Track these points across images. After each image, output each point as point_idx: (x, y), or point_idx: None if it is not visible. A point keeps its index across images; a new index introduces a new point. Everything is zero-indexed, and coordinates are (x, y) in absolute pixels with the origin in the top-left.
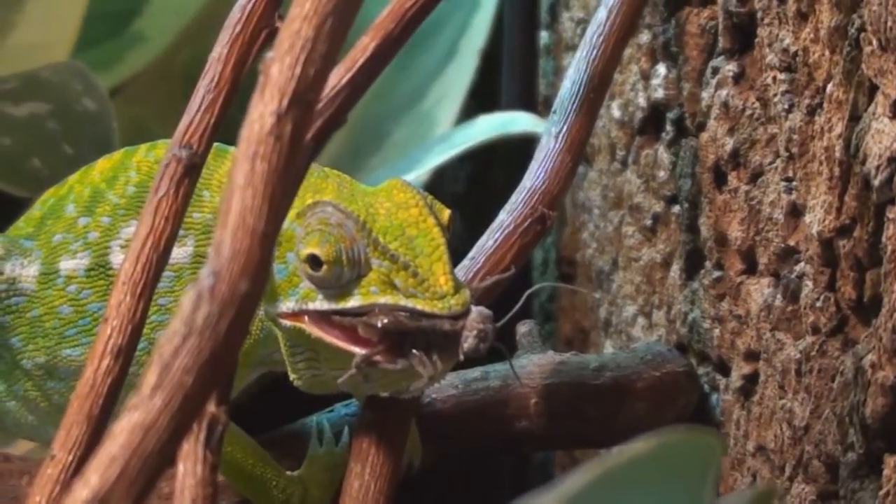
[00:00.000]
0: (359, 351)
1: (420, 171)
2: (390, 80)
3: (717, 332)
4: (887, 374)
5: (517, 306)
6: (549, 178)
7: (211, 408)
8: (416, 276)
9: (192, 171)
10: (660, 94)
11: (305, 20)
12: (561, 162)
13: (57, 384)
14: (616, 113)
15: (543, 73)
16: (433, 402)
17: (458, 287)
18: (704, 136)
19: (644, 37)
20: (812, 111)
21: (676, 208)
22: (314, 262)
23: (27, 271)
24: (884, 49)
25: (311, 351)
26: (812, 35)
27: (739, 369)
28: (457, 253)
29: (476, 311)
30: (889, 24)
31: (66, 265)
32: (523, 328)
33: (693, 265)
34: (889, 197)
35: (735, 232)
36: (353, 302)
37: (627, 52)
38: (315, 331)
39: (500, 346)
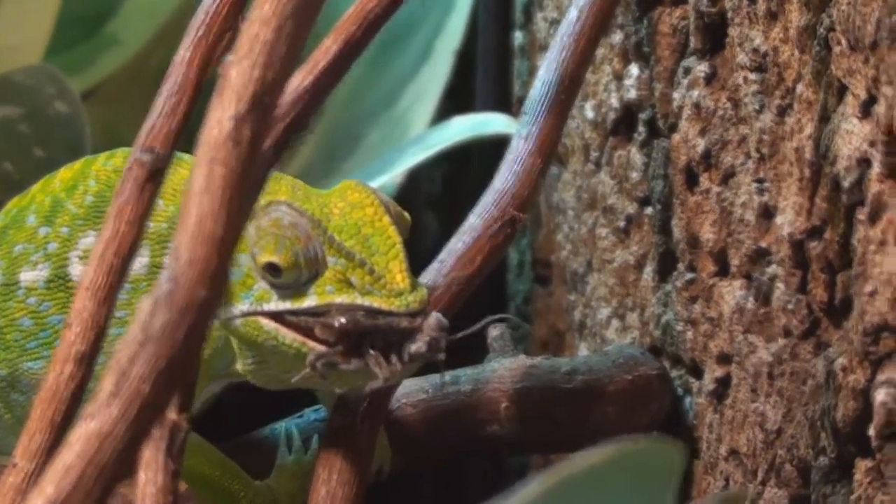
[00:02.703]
0: (315, 346)
1: (393, 173)
2: (364, 82)
3: (689, 334)
4: (858, 377)
5: (470, 330)
6: (518, 180)
7: (172, 415)
8: (373, 274)
9: (155, 175)
10: (632, 94)
11: (264, 23)
12: (531, 164)
13: (19, 397)
14: (589, 114)
15: (518, 74)
16: (403, 407)
17: (415, 285)
18: (676, 136)
19: (616, 37)
20: (782, 112)
21: (649, 210)
22: (273, 269)
23: None
24: (853, 49)
25: (261, 359)
26: (782, 35)
27: (712, 372)
28: (431, 254)
29: (434, 317)
30: (858, 23)
31: (27, 276)
32: (495, 331)
33: (666, 267)
34: (859, 198)
35: (707, 234)
36: (308, 301)
37: (600, 52)
38: (271, 324)
39: (438, 361)
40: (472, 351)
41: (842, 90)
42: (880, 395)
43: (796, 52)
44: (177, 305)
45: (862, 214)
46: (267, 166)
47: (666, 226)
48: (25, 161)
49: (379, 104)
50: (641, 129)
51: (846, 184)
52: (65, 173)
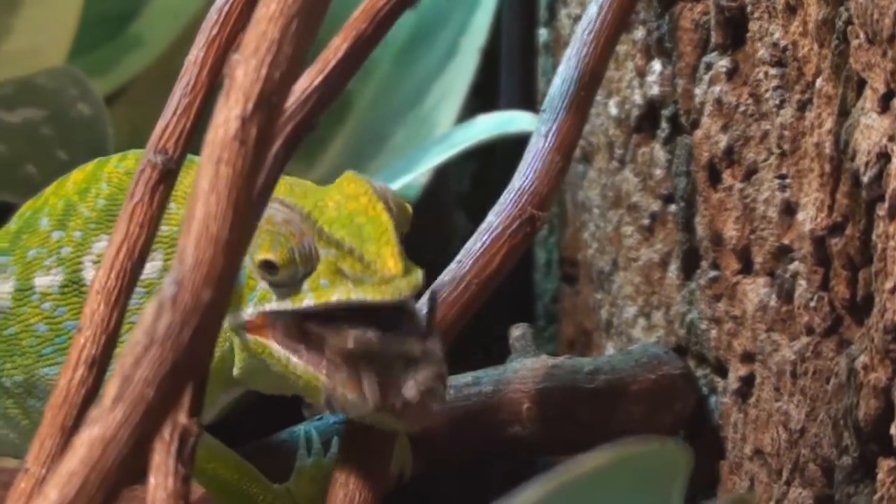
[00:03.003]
0: (324, 378)
1: (418, 172)
2: (390, 81)
3: (714, 333)
4: (879, 375)
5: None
6: (538, 178)
7: (182, 419)
8: (363, 261)
9: (167, 176)
10: (655, 90)
11: (271, 21)
12: (551, 161)
13: (36, 403)
14: (613, 111)
15: (543, 71)
16: None
17: (408, 269)
18: (699, 133)
19: (639, 33)
20: (803, 106)
21: (673, 207)
22: (269, 267)
23: (3, 287)
24: (871, 42)
25: (264, 369)
26: (801, 29)
27: (736, 371)
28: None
29: (428, 368)
30: (875, 16)
31: (41, 281)
32: (517, 331)
33: (690, 265)
34: (879, 194)
35: (730, 231)
36: (307, 301)
37: (623, 48)
38: (281, 350)
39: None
40: (493, 351)
41: (861, 84)
42: None
43: (815, 46)
44: (182, 308)
45: (881, 210)
46: (278, 166)
47: (689, 223)
48: (48, 163)
49: (405, 103)
50: (664, 125)
51: (866, 179)
52: (77, 175)
